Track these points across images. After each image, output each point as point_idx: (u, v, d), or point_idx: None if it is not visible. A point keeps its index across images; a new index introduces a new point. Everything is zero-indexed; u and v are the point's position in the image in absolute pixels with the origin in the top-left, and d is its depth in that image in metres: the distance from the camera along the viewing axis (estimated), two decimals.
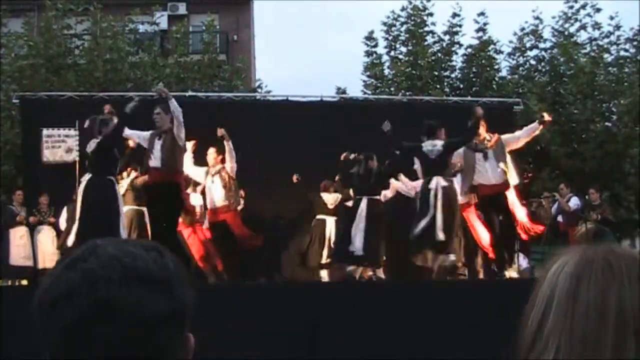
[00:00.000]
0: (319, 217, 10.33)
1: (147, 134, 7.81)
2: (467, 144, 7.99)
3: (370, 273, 8.98)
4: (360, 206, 8.93)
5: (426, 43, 17.73)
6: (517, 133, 8.40)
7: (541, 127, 8.29)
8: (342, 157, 9.45)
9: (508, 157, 8.11)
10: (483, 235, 8.64)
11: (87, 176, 7.42)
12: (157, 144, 7.62)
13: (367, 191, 9.02)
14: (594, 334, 0.84)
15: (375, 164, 9.05)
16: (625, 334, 0.83)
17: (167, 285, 0.88)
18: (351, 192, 9.45)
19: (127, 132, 7.81)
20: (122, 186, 8.91)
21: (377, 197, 9.12)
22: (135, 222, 9.22)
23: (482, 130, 8.07)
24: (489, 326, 6.02)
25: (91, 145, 7.44)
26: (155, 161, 7.63)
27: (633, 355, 0.82)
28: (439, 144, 7.92)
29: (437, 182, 7.78)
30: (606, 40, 17.40)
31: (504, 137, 8.22)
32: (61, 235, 10.07)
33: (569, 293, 0.87)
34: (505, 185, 8.06)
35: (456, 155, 8.08)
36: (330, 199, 10.18)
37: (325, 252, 10.09)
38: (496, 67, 17.97)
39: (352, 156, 9.39)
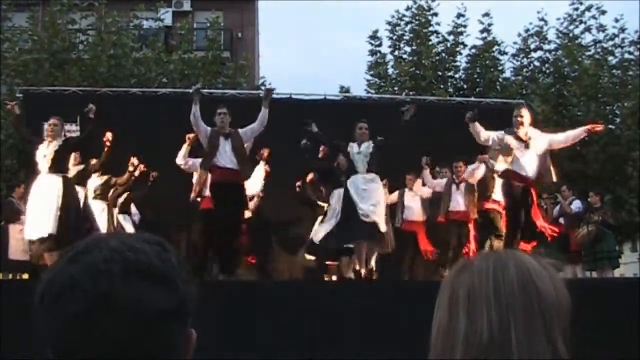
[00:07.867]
0: None
1: (207, 129, 7.95)
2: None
3: None
4: None
5: (430, 43, 17.72)
6: (561, 136, 8.09)
7: (585, 135, 8.16)
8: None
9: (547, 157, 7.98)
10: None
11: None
12: (226, 144, 7.83)
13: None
14: (450, 323, 1.01)
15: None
16: (477, 316, 0.98)
17: (169, 281, 0.88)
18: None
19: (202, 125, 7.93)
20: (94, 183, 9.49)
21: None
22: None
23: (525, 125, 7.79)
24: None
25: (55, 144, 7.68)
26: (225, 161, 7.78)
27: (486, 334, 0.96)
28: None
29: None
30: (610, 42, 17.38)
31: (549, 136, 8.02)
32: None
33: (440, 295, 1.06)
34: (534, 181, 7.85)
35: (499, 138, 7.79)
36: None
37: None
38: (500, 68, 17.96)
39: None
